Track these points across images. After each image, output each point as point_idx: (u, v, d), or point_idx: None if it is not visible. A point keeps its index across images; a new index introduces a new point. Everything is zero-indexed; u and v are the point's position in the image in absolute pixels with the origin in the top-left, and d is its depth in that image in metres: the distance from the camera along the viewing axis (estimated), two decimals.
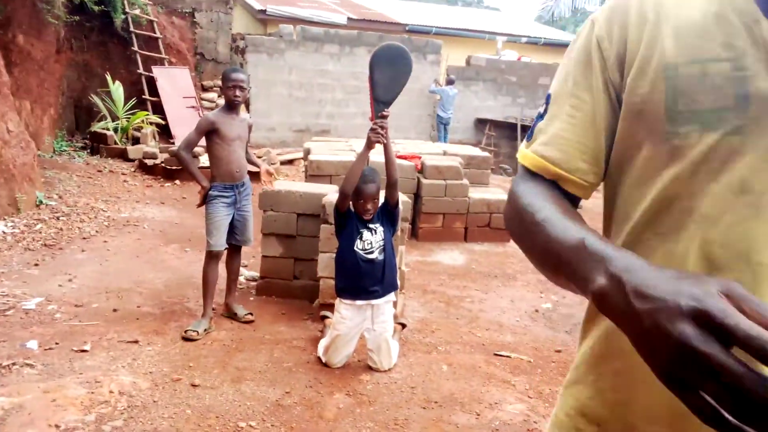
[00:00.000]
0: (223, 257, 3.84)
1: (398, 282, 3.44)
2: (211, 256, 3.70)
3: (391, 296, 3.26)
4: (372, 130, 3.00)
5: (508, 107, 14.43)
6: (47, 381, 2.78)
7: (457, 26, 16.82)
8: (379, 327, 3.21)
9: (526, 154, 0.87)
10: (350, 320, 3.17)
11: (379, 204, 3.24)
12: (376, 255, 3.17)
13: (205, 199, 3.67)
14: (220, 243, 3.69)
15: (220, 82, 11.78)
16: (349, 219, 3.23)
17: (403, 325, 3.68)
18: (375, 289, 3.16)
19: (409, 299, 4.41)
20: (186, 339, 3.42)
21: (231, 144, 3.67)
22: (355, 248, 3.16)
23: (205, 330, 3.53)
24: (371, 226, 3.20)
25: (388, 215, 3.27)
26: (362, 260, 3.14)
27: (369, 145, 3.05)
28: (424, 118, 13.18)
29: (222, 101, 11.68)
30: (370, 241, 3.17)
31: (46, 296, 3.95)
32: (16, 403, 2.50)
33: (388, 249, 3.22)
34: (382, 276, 3.17)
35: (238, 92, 3.58)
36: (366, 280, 3.15)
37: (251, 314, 3.78)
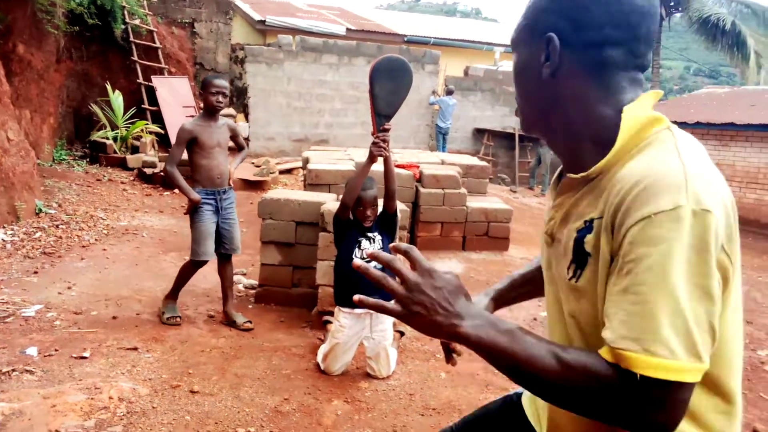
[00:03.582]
0: (215, 265, 3.87)
1: None
2: (195, 265, 3.76)
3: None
4: (374, 143, 3.01)
5: (506, 117, 14.51)
6: (47, 387, 2.79)
7: (455, 37, 16.95)
8: (377, 335, 3.22)
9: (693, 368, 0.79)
10: (349, 329, 3.18)
11: (378, 211, 3.26)
12: (374, 264, 3.18)
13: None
14: (209, 252, 3.72)
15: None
16: (348, 228, 3.27)
17: (402, 333, 3.70)
18: (374, 297, 3.16)
19: None
20: (171, 324, 3.71)
21: (211, 151, 3.70)
22: (353, 257, 3.19)
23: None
24: (370, 235, 3.23)
25: (386, 224, 3.30)
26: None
27: (371, 159, 3.04)
28: (423, 128, 13.25)
29: (225, 110, 11.75)
30: (370, 250, 3.18)
31: (45, 303, 3.96)
32: (16, 409, 2.51)
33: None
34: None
35: (221, 98, 3.64)
36: (364, 288, 3.16)
37: (250, 322, 3.80)
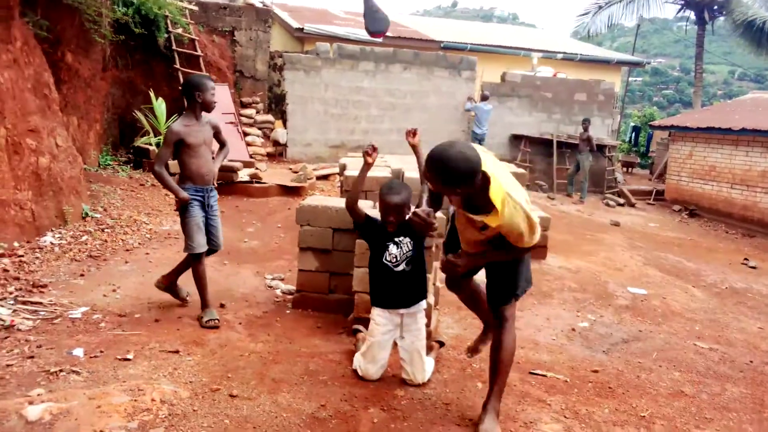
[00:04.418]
0: (253, 271, 3.94)
1: (429, 293, 3.47)
2: (196, 258, 3.95)
3: (421, 305, 3.31)
4: (366, 152, 3.35)
5: (544, 123, 14.34)
6: (92, 388, 2.87)
7: (492, 43, 16.85)
8: (409, 336, 3.25)
9: None
10: (384, 326, 3.24)
11: (406, 215, 3.27)
12: (403, 267, 3.23)
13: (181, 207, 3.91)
14: (203, 244, 3.94)
15: (257, 98, 12.05)
16: (370, 232, 3.36)
17: (441, 344, 3.69)
18: (403, 298, 3.24)
19: (443, 315, 4.41)
20: (210, 327, 3.81)
21: (198, 150, 3.93)
22: (383, 260, 3.25)
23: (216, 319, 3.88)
24: (396, 239, 3.26)
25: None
26: (391, 272, 3.24)
27: (367, 164, 3.41)
28: (459, 134, 13.20)
29: (260, 117, 11.92)
30: (396, 254, 3.24)
31: (91, 306, 4.08)
32: (64, 409, 2.59)
33: (417, 259, 3.28)
34: (409, 286, 3.25)
35: (216, 98, 3.94)
36: (394, 289, 3.24)
37: (216, 320, 3.88)
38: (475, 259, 2.80)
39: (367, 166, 3.37)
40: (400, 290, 3.25)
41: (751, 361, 4.23)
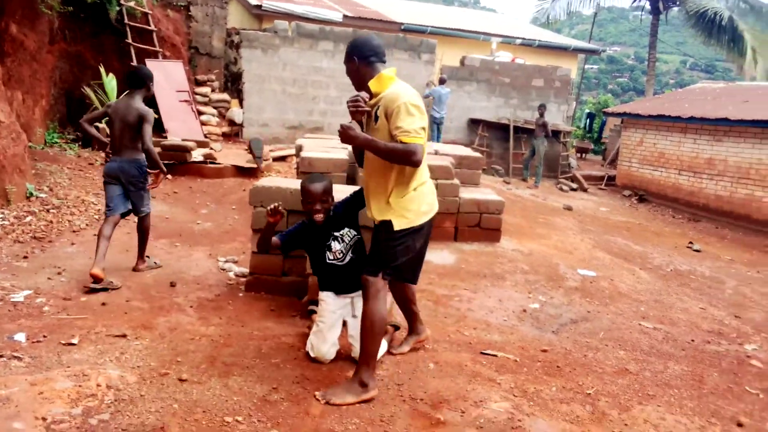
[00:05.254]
0: (207, 253, 3.89)
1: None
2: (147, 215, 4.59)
3: None
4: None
5: (501, 108, 14.49)
6: (34, 374, 2.78)
7: (452, 26, 16.85)
8: (360, 313, 3.26)
9: None
10: (333, 305, 3.28)
11: (334, 202, 3.27)
12: (350, 257, 3.27)
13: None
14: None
15: (213, 76, 11.77)
16: (303, 240, 3.35)
17: (396, 327, 3.71)
18: (352, 284, 3.25)
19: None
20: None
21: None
22: (327, 261, 3.26)
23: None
24: (336, 233, 3.25)
25: (354, 211, 3.33)
26: (337, 267, 3.27)
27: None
28: None
29: (215, 95, 11.64)
30: (340, 249, 3.26)
31: (34, 289, 3.94)
32: (3, 396, 2.50)
33: (361, 245, 3.30)
34: (358, 272, 3.22)
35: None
36: (343, 280, 3.29)
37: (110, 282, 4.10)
38: (367, 141, 2.84)
39: (269, 225, 3.25)
40: (349, 278, 3.26)
41: (693, 340, 4.41)
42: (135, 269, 4.53)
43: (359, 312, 3.24)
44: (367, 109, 2.95)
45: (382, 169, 2.94)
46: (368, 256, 3.09)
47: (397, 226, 2.91)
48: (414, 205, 2.95)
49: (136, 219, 4.60)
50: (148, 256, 4.67)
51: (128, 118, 4.28)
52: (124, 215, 4.44)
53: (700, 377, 3.73)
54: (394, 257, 2.95)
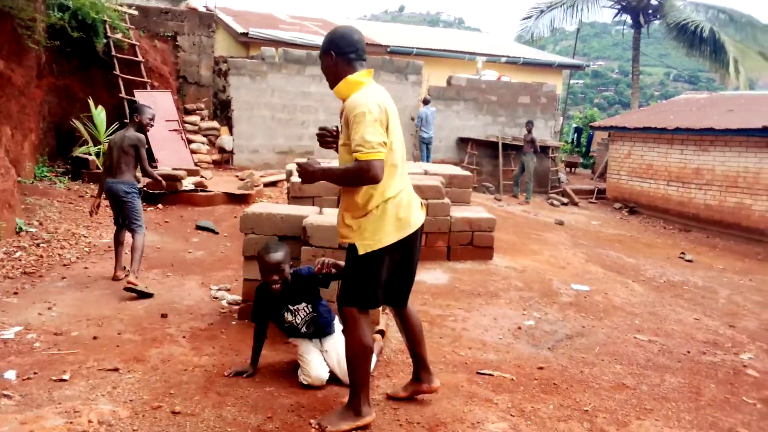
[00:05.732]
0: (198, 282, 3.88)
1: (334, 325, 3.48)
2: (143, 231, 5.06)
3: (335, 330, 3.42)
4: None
5: (489, 126, 14.62)
6: (25, 412, 2.74)
7: (438, 47, 17.07)
8: (329, 346, 3.35)
9: None
10: (304, 344, 3.34)
11: (291, 270, 3.23)
12: (304, 330, 3.32)
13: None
14: None
15: (202, 105, 11.82)
16: (264, 305, 3.32)
17: (381, 332, 3.69)
18: (315, 336, 3.36)
19: (392, 319, 4.41)
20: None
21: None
22: (284, 323, 3.32)
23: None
24: (291, 307, 3.26)
25: (317, 285, 3.31)
26: (296, 330, 3.33)
27: None
28: (407, 138, 13.29)
29: (205, 123, 11.68)
30: (292, 321, 3.29)
31: (25, 325, 3.90)
32: None
33: (316, 321, 3.32)
34: (318, 331, 3.35)
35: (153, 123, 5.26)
36: (303, 335, 3.36)
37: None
38: (324, 172, 2.72)
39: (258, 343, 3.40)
40: (309, 335, 3.35)
41: (688, 352, 4.41)
42: (114, 277, 5.03)
43: (329, 346, 3.34)
44: (333, 141, 2.88)
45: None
46: (342, 282, 2.90)
47: (362, 249, 2.68)
48: (378, 224, 2.68)
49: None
50: (136, 276, 4.70)
51: (123, 146, 4.89)
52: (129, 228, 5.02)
53: (697, 389, 3.73)
54: (365, 283, 2.74)
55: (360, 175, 2.56)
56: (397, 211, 2.74)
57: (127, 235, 5.11)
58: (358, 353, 2.78)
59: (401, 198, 2.77)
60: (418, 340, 3.07)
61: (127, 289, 4.54)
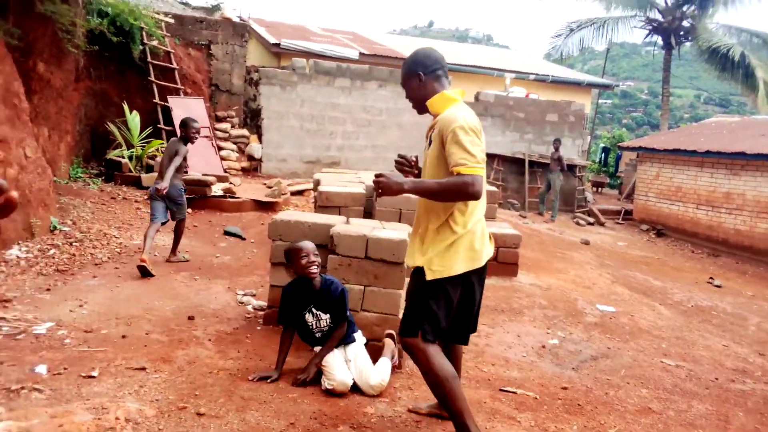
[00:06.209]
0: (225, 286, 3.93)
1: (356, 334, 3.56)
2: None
3: (356, 337, 3.51)
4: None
5: (516, 143, 14.56)
6: (54, 406, 2.80)
7: (466, 62, 17.10)
8: (353, 355, 3.42)
9: None
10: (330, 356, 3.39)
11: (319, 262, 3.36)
12: (320, 334, 3.44)
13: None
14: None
15: (233, 113, 12.00)
16: (292, 305, 3.41)
17: (391, 336, 3.69)
18: (320, 345, 3.46)
19: None
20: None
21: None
22: (305, 320, 3.42)
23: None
24: (315, 311, 3.38)
25: (344, 308, 3.41)
26: (312, 333, 3.45)
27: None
28: None
29: (235, 131, 11.84)
30: (312, 323, 3.42)
31: (57, 321, 3.99)
32: (24, 428, 2.52)
33: (330, 334, 3.42)
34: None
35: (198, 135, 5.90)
36: (320, 342, 3.47)
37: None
38: (415, 186, 2.53)
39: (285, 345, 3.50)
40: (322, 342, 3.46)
41: (717, 378, 4.32)
42: (168, 260, 5.87)
43: (352, 355, 3.40)
44: (410, 171, 2.84)
45: (427, 203, 2.65)
46: (404, 312, 2.72)
47: (430, 275, 2.57)
48: (453, 251, 2.57)
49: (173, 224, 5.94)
50: (179, 251, 6.01)
51: (168, 153, 5.77)
52: (163, 223, 5.72)
53: (726, 417, 3.65)
54: (430, 310, 2.59)
55: (463, 189, 2.41)
56: (472, 240, 2.62)
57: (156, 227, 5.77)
58: (439, 384, 2.60)
59: (480, 228, 2.66)
60: (456, 369, 2.91)
61: (140, 267, 5.22)
